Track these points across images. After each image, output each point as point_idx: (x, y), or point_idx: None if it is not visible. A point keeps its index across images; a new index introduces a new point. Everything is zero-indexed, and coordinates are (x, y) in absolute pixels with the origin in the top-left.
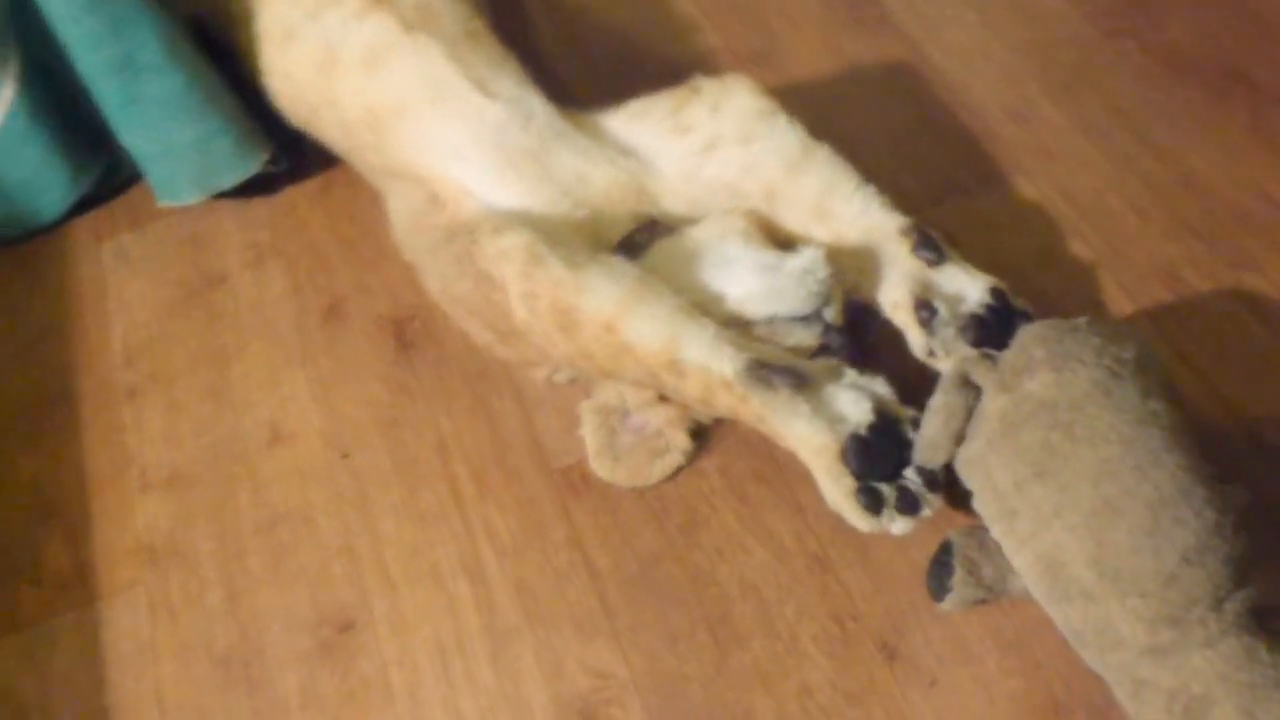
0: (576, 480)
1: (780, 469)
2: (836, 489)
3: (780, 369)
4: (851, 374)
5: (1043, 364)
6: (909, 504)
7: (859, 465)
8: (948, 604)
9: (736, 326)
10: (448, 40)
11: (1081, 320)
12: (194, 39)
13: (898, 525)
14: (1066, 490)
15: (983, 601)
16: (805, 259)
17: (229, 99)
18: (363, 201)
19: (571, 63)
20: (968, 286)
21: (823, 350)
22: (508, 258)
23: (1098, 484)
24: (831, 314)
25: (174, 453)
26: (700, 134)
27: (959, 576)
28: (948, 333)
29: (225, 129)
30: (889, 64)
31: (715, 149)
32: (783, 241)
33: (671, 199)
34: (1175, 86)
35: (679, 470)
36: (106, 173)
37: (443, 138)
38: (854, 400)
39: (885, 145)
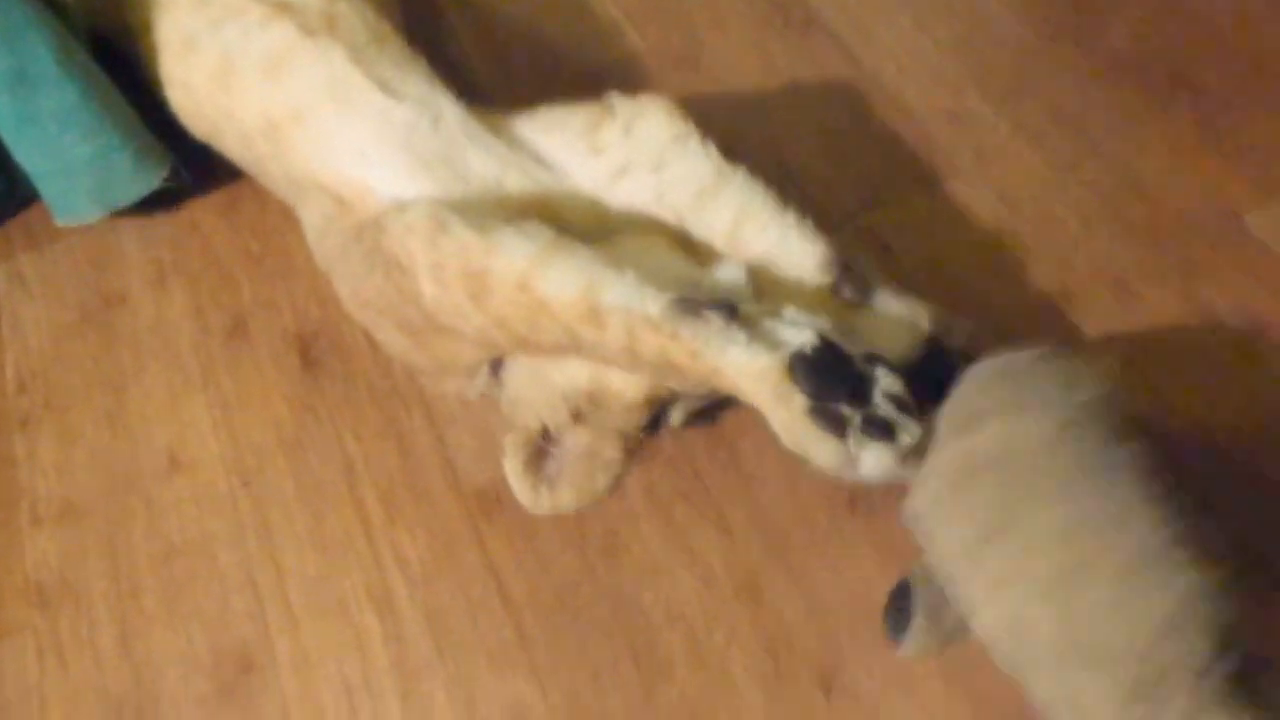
0: (490, 502)
1: (707, 489)
2: (788, 413)
3: (710, 302)
4: (791, 310)
5: (992, 414)
6: (880, 428)
7: (809, 379)
8: (907, 650)
9: None
10: (351, 44)
11: (1033, 356)
12: (89, 52)
13: (870, 455)
14: (1025, 554)
15: (946, 643)
16: (726, 276)
17: (127, 113)
18: (270, 216)
19: (490, 67)
20: (894, 335)
21: None
22: (412, 231)
23: (1058, 548)
24: None
25: (67, 485)
26: (613, 157)
27: (919, 624)
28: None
29: (123, 144)
30: (819, 66)
31: (627, 174)
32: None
33: (584, 215)
34: (1117, 91)
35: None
36: (3, 194)
37: (345, 141)
38: (795, 329)
39: (817, 149)
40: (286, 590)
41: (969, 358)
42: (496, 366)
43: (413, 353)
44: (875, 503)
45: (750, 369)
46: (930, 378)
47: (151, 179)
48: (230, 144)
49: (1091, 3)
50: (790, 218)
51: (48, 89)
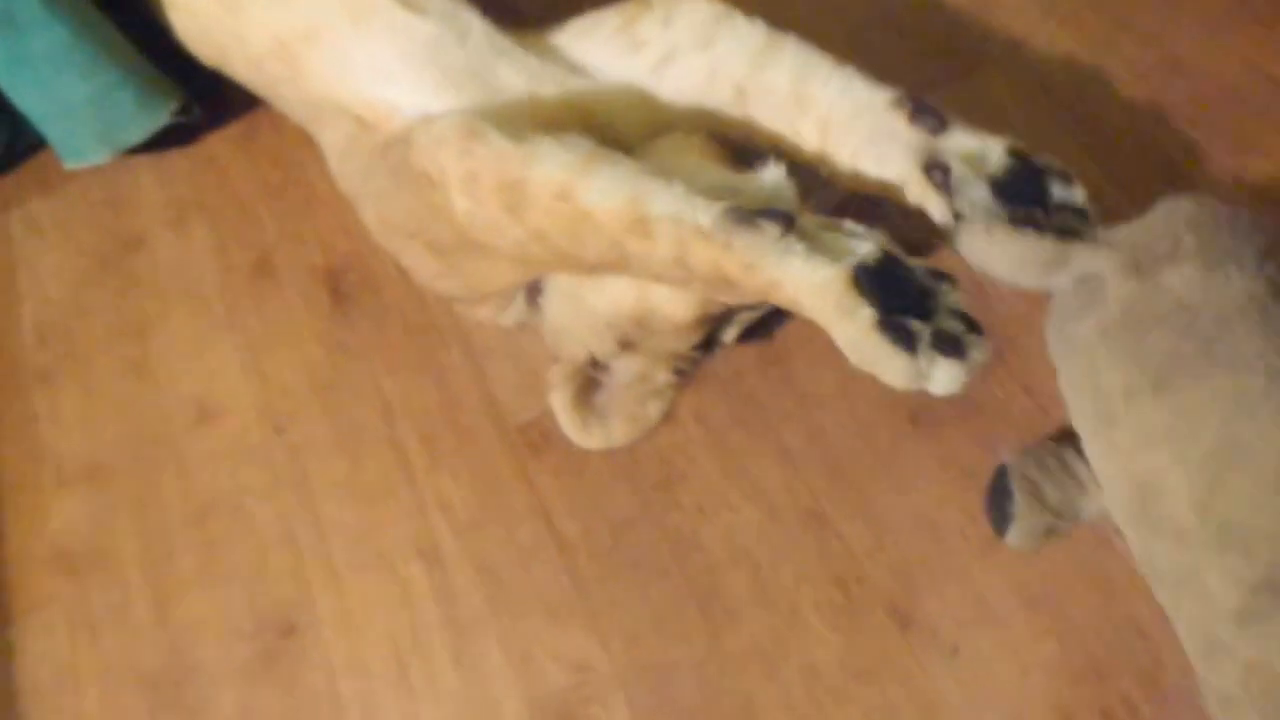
0: (537, 438)
1: (762, 410)
2: (854, 326)
3: (766, 211)
4: (850, 223)
5: (1191, 256)
6: (951, 344)
7: (875, 291)
8: (1013, 537)
9: None
10: None
11: (1242, 211)
12: None
13: (942, 371)
14: (1187, 415)
15: (1052, 531)
16: (768, 179)
17: (126, 48)
18: (289, 145)
19: None
20: (980, 148)
21: None
22: (443, 142)
23: (1227, 418)
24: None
25: (92, 442)
26: (655, 48)
27: (1020, 502)
28: (975, 190)
29: (123, 80)
30: None
31: (673, 60)
32: (740, 154)
33: (630, 116)
34: None
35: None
36: (9, 140)
37: (365, 59)
38: (856, 240)
39: (846, 45)
40: (327, 544)
41: (1064, 175)
42: (533, 294)
43: (444, 278)
44: (938, 416)
45: (811, 281)
46: (1023, 189)
47: (158, 115)
48: (240, 68)
49: None
50: (851, 68)
51: (36, 30)
